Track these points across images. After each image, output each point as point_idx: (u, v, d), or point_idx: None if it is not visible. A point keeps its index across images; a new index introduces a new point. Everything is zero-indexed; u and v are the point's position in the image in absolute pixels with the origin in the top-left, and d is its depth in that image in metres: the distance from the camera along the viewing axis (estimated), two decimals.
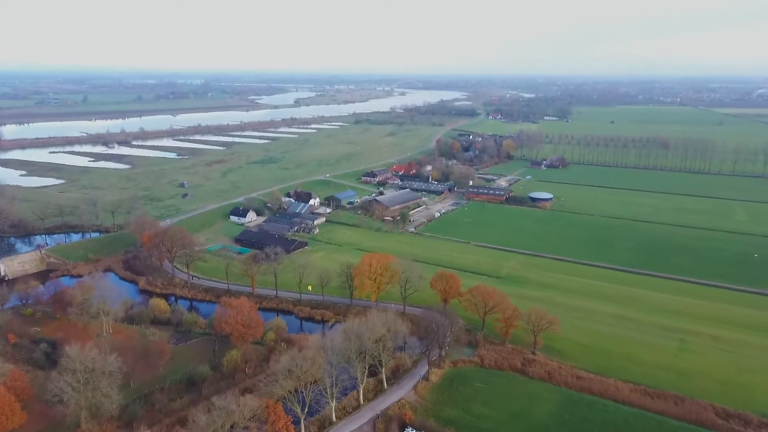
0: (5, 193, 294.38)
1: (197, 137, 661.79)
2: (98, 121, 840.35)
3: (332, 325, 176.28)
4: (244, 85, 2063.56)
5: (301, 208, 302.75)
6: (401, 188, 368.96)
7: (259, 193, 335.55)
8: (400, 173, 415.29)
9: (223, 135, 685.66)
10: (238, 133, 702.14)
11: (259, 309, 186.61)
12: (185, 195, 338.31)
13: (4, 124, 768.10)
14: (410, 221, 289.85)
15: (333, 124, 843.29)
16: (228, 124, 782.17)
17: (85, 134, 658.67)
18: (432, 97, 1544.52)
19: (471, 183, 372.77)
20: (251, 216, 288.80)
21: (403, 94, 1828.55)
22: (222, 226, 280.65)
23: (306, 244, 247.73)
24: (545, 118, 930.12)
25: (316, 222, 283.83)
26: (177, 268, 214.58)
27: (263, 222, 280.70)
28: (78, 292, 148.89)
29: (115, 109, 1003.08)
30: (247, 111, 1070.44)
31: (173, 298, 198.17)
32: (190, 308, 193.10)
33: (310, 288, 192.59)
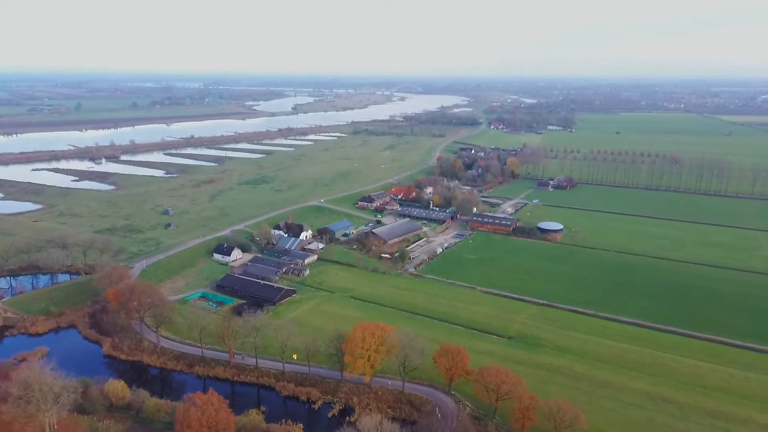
0: None
1: (189, 151, 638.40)
2: (89, 131, 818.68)
3: (319, 408, 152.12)
4: (242, 89, 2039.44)
5: (291, 243, 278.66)
6: (400, 215, 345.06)
7: (247, 225, 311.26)
8: (400, 197, 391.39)
9: (216, 148, 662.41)
10: (232, 146, 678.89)
11: (237, 382, 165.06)
12: (168, 225, 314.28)
13: None
14: (410, 259, 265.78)
15: (330, 134, 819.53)
16: (222, 136, 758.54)
17: (72, 147, 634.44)
18: (432, 102, 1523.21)
19: (475, 210, 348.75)
20: (236, 254, 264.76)
21: (402, 99, 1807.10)
22: (204, 267, 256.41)
23: (294, 291, 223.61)
24: (549, 127, 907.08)
25: (306, 261, 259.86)
26: (147, 326, 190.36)
27: (249, 261, 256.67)
28: (15, 385, 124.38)
29: (108, 117, 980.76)
30: (244, 119, 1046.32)
31: (140, 367, 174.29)
32: (160, 380, 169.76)
33: (295, 357, 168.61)
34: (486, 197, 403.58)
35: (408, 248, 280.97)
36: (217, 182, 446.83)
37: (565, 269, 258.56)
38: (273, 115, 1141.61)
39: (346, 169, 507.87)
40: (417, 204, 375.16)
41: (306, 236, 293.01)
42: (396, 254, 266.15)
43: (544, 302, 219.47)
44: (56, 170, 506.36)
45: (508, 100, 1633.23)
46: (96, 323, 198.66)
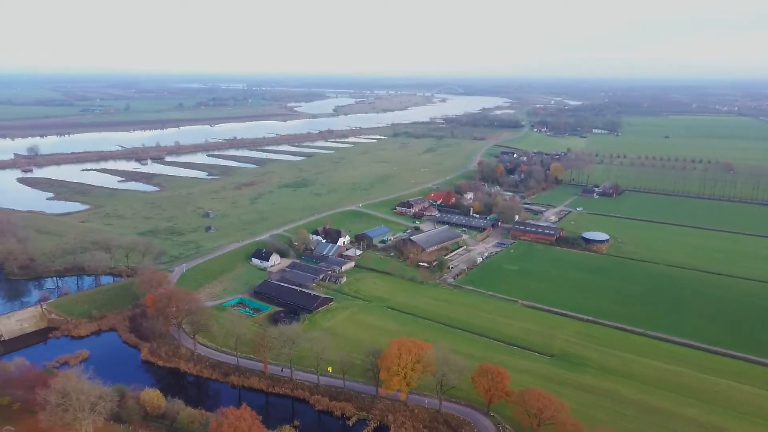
0: (17, 231, 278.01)
1: (231, 152, 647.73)
2: (137, 132, 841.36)
3: (353, 424, 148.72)
4: (284, 90, 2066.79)
5: (328, 249, 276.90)
6: (439, 222, 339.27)
7: (286, 229, 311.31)
8: (439, 203, 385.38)
9: (257, 150, 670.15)
10: (273, 148, 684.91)
11: (271, 393, 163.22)
12: (208, 228, 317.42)
13: (45, 136, 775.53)
14: (448, 269, 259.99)
15: (370, 137, 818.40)
16: (264, 138, 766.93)
17: (120, 148, 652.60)
18: (473, 104, 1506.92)
19: (517, 218, 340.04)
20: (274, 259, 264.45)
21: (443, 100, 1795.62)
22: (243, 271, 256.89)
23: (331, 299, 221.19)
24: (594, 131, 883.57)
25: (344, 268, 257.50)
26: (185, 332, 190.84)
27: (287, 267, 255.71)
28: (53, 393, 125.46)
29: (155, 118, 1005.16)
30: (285, 121, 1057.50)
31: (177, 374, 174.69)
32: (196, 387, 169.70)
33: (330, 370, 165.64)
34: (528, 204, 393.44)
35: (446, 257, 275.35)
36: (257, 185, 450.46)
37: (611, 283, 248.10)
38: (314, 116, 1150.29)
39: (384, 173, 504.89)
40: (456, 210, 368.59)
41: (343, 242, 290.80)
42: (434, 263, 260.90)
43: (589, 318, 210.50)
44: (104, 170, 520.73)
45: (552, 102, 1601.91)
46: (135, 327, 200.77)
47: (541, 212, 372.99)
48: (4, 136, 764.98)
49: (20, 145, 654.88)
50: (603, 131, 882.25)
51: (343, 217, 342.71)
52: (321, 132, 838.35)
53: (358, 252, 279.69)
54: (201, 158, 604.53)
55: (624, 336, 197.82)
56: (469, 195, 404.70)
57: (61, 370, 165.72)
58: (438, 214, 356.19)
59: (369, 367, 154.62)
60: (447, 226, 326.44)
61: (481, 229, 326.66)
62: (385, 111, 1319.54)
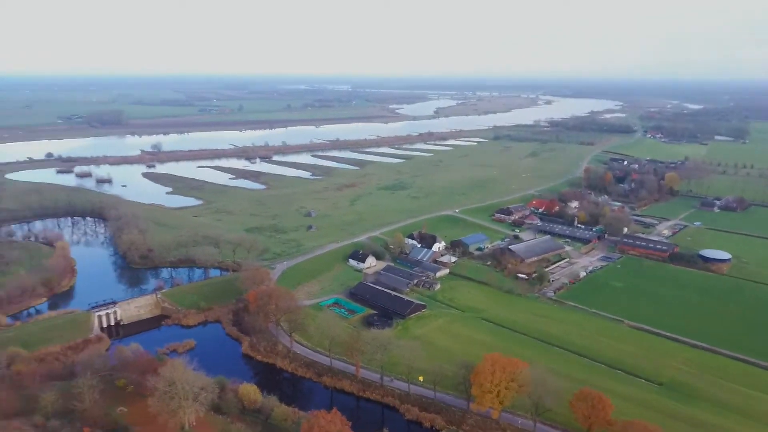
0: (139, 224, 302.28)
1: (334, 153, 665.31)
2: (248, 132, 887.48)
3: None
4: (387, 92, 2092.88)
5: (423, 254, 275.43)
6: (540, 231, 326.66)
7: (383, 231, 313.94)
8: (540, 211, 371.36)
9: (359, 151, 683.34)
10: (374, 150, 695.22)
11: (362, 398, 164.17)
12: (310, 227, 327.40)
13: (168, 134, 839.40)
14: (549, 282, 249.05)
15: (470, 140, 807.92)
16: (365, 139, 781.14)
17: (232, 147, 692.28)
18: (581, 107, 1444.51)
19: (625, 230, 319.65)
20: (370, 261, 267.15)
21: (548, 102, 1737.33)
22: (339, 272, 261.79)
23: (424, 306, 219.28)
24: (716, 138, 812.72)
25: (438, 274, 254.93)
26: (283, 330, 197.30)
27: (382, 270, 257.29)
28: (161, 381, 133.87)
29: (264, 118, 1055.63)
30: (386, 123, 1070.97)
31: (273, 369, 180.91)
32: (291, 384, 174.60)
33: (421, 379, 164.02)
34: (639, 216, 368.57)
35: (547, 269, 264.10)
36: (357, 186, 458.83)
37: (731, 308, 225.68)
38: (414, 118, 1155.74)
39: (484, 177, 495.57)
40: (559, 219, 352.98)
41: (439, 248, 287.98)
42: (533, 275, 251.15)
43: (705, 346, 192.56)
44: (217, 168, 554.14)
45: (668, 106, 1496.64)
46: (238, 321, 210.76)
47: (653, 225, 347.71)
48: (134, 134, 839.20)
49: (146, 142, 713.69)
50: (727, 138, 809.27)
51: (439, 221, 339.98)
52: (421, 134, 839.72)
53: (454, 259, 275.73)
54: (305, 158, 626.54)
55: (745, 368, 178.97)
56: (574, 204, 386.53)
57: (170, 357, 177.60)
58: (539, 223, 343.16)
59: (461, 380, 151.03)
60: (549, 236, 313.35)
61: (586, 241, 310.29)
62: (486, 113, 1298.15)
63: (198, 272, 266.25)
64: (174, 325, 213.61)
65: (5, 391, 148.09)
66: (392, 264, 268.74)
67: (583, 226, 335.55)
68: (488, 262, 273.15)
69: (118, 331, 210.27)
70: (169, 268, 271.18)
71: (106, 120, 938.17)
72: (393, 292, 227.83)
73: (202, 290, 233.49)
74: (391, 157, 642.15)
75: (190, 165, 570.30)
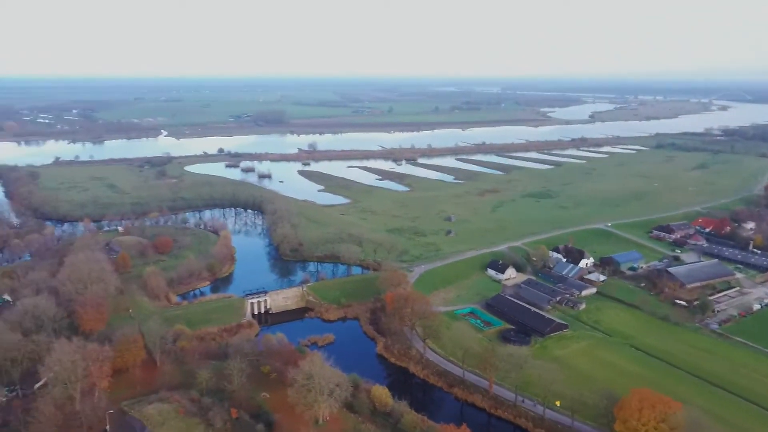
0: (292, 218, 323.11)
1: (478, 157, 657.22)
2: (396, 134, 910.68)
3: None
4: (539, 94, 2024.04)
5: (568, 270, 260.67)
6: (706, 254, 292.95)
7: (525, 242, 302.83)
8: (707, 231, 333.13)
9: (504, 156, 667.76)
10: (521, 155, 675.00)
11: (493, 416, 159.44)
12: (449, 232, 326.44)
13: (323, 133, 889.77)
14: (713, 312, 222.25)
15: (629, 147, 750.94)
16: (512, 143, 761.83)
17: (380, 148, 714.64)
18: (762, 113, 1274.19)
19: None
20: (510, 272, 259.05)
21: (723, 108, 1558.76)
22: (477, 281, 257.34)
23: (566, 326, 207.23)
24: None
25: (584, 293, 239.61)
26: (417, 334, 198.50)
27: (522, 283, 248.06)
28: (300, 374, 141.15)
29: (412, 120, 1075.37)
30: (536, 126, 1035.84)
31: (405, 373, 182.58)
32: (421, 391, 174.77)
33: (558, 404, 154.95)
34: None
35: (712, 297, 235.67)
36: (500, 192, 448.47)
37: None
38: (567, 123, 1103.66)
39: (641, 189, 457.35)
40: (730, 242, 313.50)
41: (586, 264, 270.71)
42: (695, 302, 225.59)
43: None
44: (365, 168, 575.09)
45: None
46: (374, 320, 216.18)
47: None
48: (293, 133, 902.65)
49: (303, 141, 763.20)
50: None
51: (587, 235, 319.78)
52: (573, 140, 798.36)
53: (602, 277, 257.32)
54: (450, 161, 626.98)
55: None
56: (750, 225, 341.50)
57: (310, 350, 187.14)
58: (705, 245, 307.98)
59: (603, 412, 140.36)
60: (716, 260, 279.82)
61: (762, 269, 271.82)
62: (648, 119, 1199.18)
63: (341, 268, 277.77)
64: (316, 318, 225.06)
65: (170, 365, 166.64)
66: (533, 278, 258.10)
67: (759, 252, 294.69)
68: (642, 284, 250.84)
69: (266, 319, 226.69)
70: (316, 263, 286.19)
71: (270, 119, 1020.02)
72: (533, 308, 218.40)
73: (343, 287, 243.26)
74: (539, 162, 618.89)
75: (340, 164, 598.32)
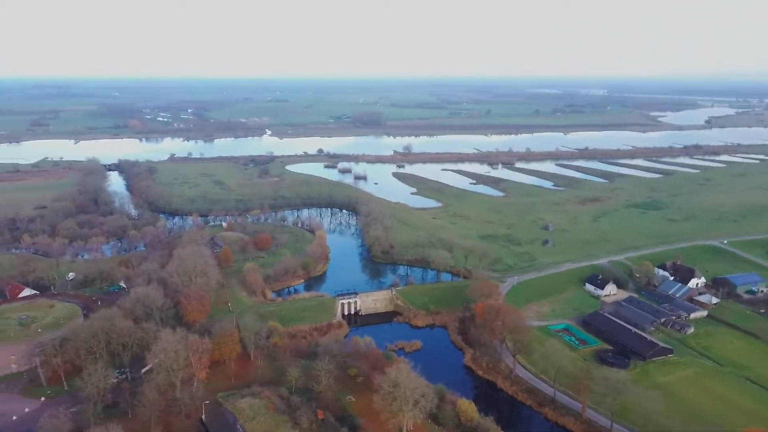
0: (384, 220, 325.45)
1: (580, 163, 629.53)
2: (493, 137, 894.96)
3: None
4: (648, 97, 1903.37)
5: (675, 290, 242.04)
6: None
7: (627, 256, 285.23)
8: None
9: (608, 162, 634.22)
10: (626, 162, 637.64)
11: None
12: (546, 242, 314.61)
13: (418, 135, 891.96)
14: None
15: (751, 156, 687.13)
16: (617, 149, 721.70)
17: (476, 151, 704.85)
18: None
19: None
20: (610, 288, 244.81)
21: None
22: (573, 295, 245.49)
23: (671, 350, 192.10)
24: None
25: (692, 315, 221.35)
26: (507, 348, 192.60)
27: (623, 301, 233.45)
28: (386, 381, 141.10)
29: (511, 123, 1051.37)
30: (644, 132, 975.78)
31: (493, 388, 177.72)
32: (509, 407, 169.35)
33: None
34: None
35: None
36: (603, 201, 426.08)
37: None
38: (679, 128, 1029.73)
39: (764, 203, 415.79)
40: None
41: (696, 284, 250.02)
42: None
43: None
44: (459, 172, 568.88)
45: None
46: (463, 330, 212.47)
47: None
48: (389, 134, 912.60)
49: (398, 143, 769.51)
50: None
51: (698, 252, 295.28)
52: (685, 147, 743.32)
53: (714, 300, 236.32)
54: (549, 167, 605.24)
55: None
56: None
57: (397, 355, 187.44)
58: None
59: None
60: None
61: None
62: None
63: (431, 274, 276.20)
64: (404, 323, 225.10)
65: (263, 360, 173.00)
66: (636, 296, 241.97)
67: None
68: (761, 310, 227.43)
69: (356, 320, 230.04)
70: (406, 266, 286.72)
71: (367, 121, 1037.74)
72: (634, 329, 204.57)
73: (432, 293, 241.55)
74: (646, 170, 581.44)
75: (434, 167, 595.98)
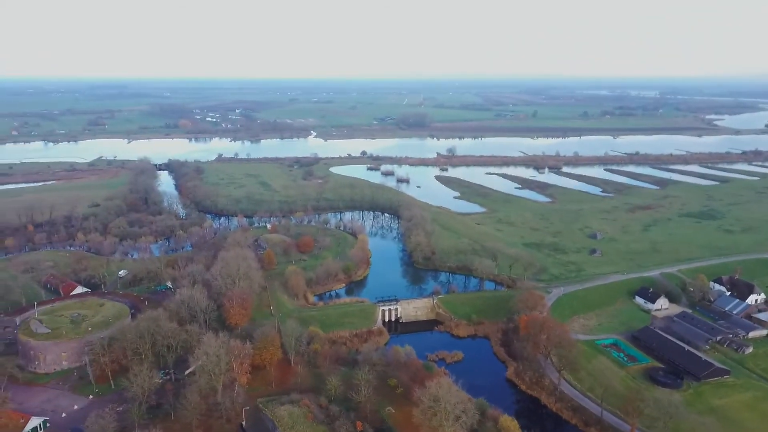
0: (426, 225, 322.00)
1: (630, 168, 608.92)
2: (539, 140, 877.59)
3: None
4: (704, 99, 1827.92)
5: (733, 306, 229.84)
6: None
7: (680, 269, 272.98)
8: None
9: (660, 168, 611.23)
10: (680, 168, 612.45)
11: None
12: (593, 251, 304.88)
13: (462, 138, 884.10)
14: None
15: None
16: (670, 155, 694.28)
17: (522, 154, 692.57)
18: None
19: None
20: (662, 302, 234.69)
21: None
22: (622, 308, 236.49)
23: (728, 372, 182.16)
24: None
25: (751, 334, 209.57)
26: (551, 363, 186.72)
27: (675, 316, 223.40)
28: (426, 396, 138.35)
29: (558, 126, 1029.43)
30: (700, 136, 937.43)
31: (536, 403, 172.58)
32: (553, 425, 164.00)
33: None
34: None
35: None
36: (654, 209, 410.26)
37: None
38: (737, 132, 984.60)
39: None
40: None
41: (756, 300, 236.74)
42: None
43: None
44: (504, 176, 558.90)
45: None
46: (506, 342, 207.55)
47: None
48: (433, 137, 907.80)
49: (443, 145, 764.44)
50: None
51: (759, 266, 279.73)
52: (744, 153, 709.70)
53: None
54: (597, 172, 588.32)
55: None
56: None
57: (438, 366, 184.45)
58: None
59: None
60: None
61: None
62: None
63: (473, 281, 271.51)
64: (445, 332, 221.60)
65: (303, 367, 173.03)
66: (689, 311, 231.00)
67: None
68: None
69: (396, 327, 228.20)
70: (447, 273, 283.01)
71: (412, 122, 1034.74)
72: (687, 347, 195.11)
73: (475, 302, 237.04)
74: (701, 177, 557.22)
75: (478, 170, 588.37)
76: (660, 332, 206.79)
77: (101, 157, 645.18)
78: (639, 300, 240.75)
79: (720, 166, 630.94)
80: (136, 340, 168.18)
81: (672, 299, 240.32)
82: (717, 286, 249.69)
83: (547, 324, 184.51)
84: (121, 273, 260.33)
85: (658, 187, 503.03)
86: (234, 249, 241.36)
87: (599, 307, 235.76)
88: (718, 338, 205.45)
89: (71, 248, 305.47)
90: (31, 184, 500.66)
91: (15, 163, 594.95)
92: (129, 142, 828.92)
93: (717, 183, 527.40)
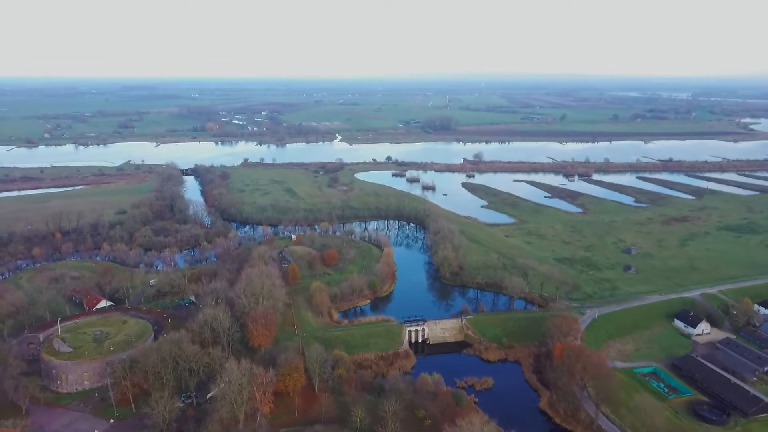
0: (454, 238, 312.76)
1: (664, 176, 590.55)
2: (569, 144, 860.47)
3: None
4: (739, 101, 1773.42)
5: None
6: None
7: (722, 289, 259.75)
8: None
9: (696, 176, 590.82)
10: (716, 176, 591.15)
11: None
12: (628, 268, 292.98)
13: (489, 142, 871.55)
14: None
15: None
16: (705, 162, 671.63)
17: (550, 160, 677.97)
18: None
19: None
20: (703, 327, 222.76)
21: None
22: (661, 333, 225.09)
23: None
24: None
25: None
26: (588, 394, 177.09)
27: (719, 343, 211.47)
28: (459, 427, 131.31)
29: (587, 130, 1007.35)
30: (735, 141, 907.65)
31: None
32: None
33: None
34: None
35: None
36: (691, 222, 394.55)
37: None
38: None
39: None
40: None
41: None
42: None
43: None
44: (533, 183, 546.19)
45: None
46: (539, 368, 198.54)
47: None
48: (459, 141, 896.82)
49: (469, 150, 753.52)
50: None
51: None
52: None
53: None
54: (629, 179, 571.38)
55: None
56: None
57: (467, 393, 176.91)
58: None
59: None
60: None
61: None
62: None
63: (503, 299, 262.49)
64: (474, 355, 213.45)
65: (328, 394, 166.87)
66: (733, 336, 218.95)
67: None
68: None
69: (423, 348, 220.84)
70: (476, 289, 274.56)
71: (438, 126, 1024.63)
72: (732, 378, 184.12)
73: (505, 324, 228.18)
74: (739, 186, 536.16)
75: (506, 177, 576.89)
76: (703, 361, 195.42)
77: (129, 161, 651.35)
78: (678, 323, 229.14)
79: (759, 174, 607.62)
80: (158, 363, 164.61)
81: (714, 323, 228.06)
82: (763, 310, 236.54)
83: (583, 353, 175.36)
84: (152, 282, 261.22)
85: (693, 197, 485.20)
86: (258, 265, 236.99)
87: (636, 331, 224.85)
88: (766, 369, 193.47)
89: (97, 257, 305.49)
90: (60, 189, 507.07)
91: (46, 167, 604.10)
92: (157, 146, 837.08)
93: (757, 193, 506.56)
